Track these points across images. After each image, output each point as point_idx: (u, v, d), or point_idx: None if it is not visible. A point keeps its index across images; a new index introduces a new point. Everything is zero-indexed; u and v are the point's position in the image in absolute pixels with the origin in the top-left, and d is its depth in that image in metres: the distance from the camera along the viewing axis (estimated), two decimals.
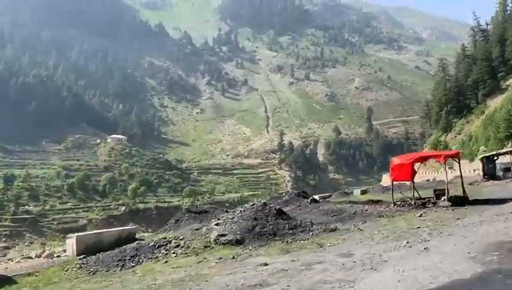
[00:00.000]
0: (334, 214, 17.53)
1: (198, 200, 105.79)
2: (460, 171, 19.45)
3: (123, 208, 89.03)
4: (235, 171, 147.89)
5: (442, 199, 17.43)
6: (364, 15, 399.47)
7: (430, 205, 17.33)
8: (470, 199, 17.71)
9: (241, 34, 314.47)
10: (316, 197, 30.99)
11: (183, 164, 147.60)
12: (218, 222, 15.16)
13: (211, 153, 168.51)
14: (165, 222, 21.52)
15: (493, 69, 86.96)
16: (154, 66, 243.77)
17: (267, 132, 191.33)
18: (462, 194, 18.16)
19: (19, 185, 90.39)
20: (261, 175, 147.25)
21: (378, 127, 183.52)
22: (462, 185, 18.73)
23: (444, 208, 16.01)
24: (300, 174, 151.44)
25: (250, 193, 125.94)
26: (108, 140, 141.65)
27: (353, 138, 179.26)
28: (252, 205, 16.29)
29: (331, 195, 34.26)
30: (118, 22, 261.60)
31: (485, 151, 56.66)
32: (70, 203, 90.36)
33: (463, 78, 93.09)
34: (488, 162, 30.50)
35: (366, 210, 17.51)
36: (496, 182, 27.11)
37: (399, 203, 18.57)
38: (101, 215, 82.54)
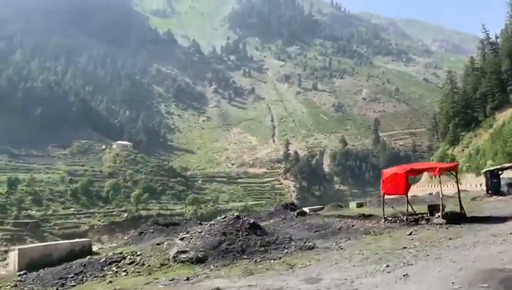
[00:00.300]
0: (317, 230, 16.35)
1: (201, 208, 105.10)
2: (458, 185, 18.20)
3: (125, 215, 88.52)
4: (239, 180, 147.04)
5: (436, 215, 16.20)
6: (373, 26, 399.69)
7: (423, 222, 16.14)
8: (467, 215, 16.65)
9: (249, 43, 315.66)
10: (306, 209, 29.73)
11: (188, 171, 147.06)
12: (183, 236, 13.99)
13: (216, 161, 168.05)
14: None
15: (502, 82, 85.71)
16: (162, 73, 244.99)
17: (273, 141, 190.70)
18: (459, 211, 17.08)
19: (22, 189, 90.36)
20: (265, 184, 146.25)
21: (385, 138, 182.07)
22: (460, 200, 17.58)
23: (438, 226, 14.91)
24: (305, 184, 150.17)
25: (255, 202, 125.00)
26: (114, 146, 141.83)
27: (360, 149, 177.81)
28: (224, 217, 14.98)
29: (323, 207, 32.82)
30: (128, 29, 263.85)
31: (492, 165, 55.53)
32: (73, 209, 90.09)
33: (471, 90, 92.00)
34: (492, 176, 28.82)
35: (353, 226, 16.38)
36: (499, 197, 25.76)
37: (390, 219, 17.39)
38: (103, 222, 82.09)
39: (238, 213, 16.34)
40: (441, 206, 16.32)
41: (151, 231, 17.37)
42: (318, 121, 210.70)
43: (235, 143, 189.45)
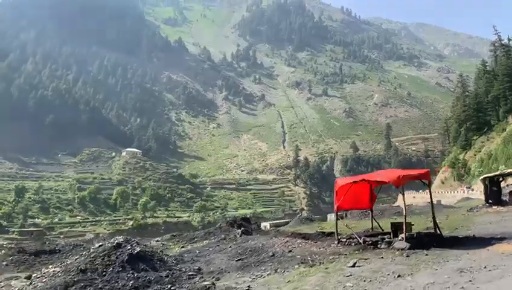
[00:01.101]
0: (244, 257, 13.19)
1: (208, 215, 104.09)
2: (431, 197, 15.09)
3: (131, 223, 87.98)
4: (249, 187, 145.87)
5: (400, 237, 12.71)
6: (384, 31, 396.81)
7: (382, 246, 12.73)
8: (445, 235, 13.68)
9: (259, 50, 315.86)
10: (267, 224, 26.91)
11: (198, 178, 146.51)
12: (32, 274, 11.33)
13: (226, 168, 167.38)
14: None
15: None
16: (173, 81, 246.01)
17: (283, 147, 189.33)
18: (434, 229, 13.79)
19: (30, 198, 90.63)
20: (275, 191, 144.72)
21: (397, 144, 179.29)
22: (433, 217, 13.98)
23: (398, 252, 11.69)
24: (315, 190, 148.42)
25: (264, 209, 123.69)
26: (123, 153, 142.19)
27: (371, 155, 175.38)
28: (99, 246, 11.89)
29: (288, 222, 28.98)
30: (139, 38, 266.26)
31: (503, 170, 53.43)
32: (79, 217, 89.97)
33: (483, 94, 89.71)
34: (492, 184, 25.43)
35: (290, 251, 13.30)
36: (500, 208, 22.87)
37: (344, 240, 14.09)
38: (109, 230, 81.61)
39: (124, 241, 12.10)
40: (404, 226, 12.80)
41: (5, 263, 13.81)
42: (329, 127, 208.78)
43: (245, 150, 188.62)
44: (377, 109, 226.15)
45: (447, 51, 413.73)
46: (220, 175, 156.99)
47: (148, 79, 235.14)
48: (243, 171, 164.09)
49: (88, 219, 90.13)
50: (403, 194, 14.29)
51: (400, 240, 12.56)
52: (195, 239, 19.72)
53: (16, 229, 74.07)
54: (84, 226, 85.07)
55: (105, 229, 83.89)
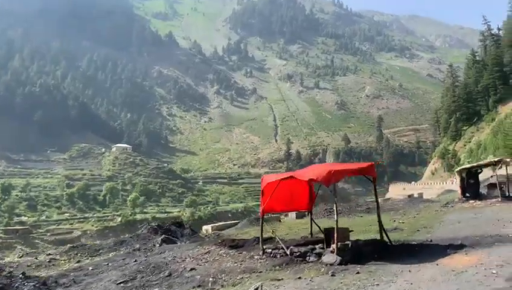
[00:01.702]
0: (133, 278, 10.88)
1: (199, 210, 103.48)
2: (376, 196, 12.78)
3: (119, 219, 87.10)
4: (240, 181, 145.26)
5: (332, 248, 10.26)
6: (375, 23, 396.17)
7: (311, 258, 10.51)
8: (394, 242, 11.46)
9: (250, 43, 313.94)
10: (208, 228, 22.84)
11: (189, 173, 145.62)
12: None
13: (218, 162, 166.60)
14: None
15: (505, 74, 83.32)
16: (164, 76, 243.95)
17: (276, 140, 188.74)
18: (380, 236, 11.38)
19: (17, 195, 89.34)
20: None
21: (389, 135, 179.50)
22: (379, 221, 11.43)
23: (324, 268, 9.54)
24: None
25: (256, 203, 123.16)
26: (113, 149, 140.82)
27: (363, 147, 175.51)
28: None
29: (237, 223, 24.25)
30: (129, 32, 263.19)
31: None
32: (67, 214, 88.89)
33: (473, 84, 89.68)
34: (469, 176, 23.50)
35: (192, 269, 11.08)
36: (477, 202, 20.89)
37: (270, 251, 11.72)
38: (96, 227, 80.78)
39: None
40: (335, 235, 10.12)
41: None
42: (321, 120, 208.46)
43: (237, 144, 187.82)
44: (368, 101, 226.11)
45: (439, 42, 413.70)
46: (212, 169, 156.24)
47: (139, 74, 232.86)
48: (235, 165, 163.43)
49: (76, 215, 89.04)
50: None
51: (331, 251, 10.10)
52: (101, 251, 16.54)
53: (1, 228, 72.96)
54: (72, 224, 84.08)
55: (92, 225, 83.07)
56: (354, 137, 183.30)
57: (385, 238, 11.35)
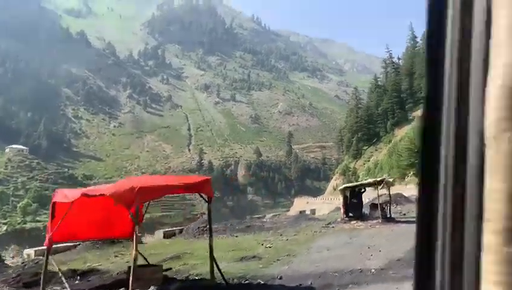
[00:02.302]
0: None
1: None
2: (209, 222, 9.60)
3: (4, 228, 78.76)
4: None
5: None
6: (291, 44, 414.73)
7: None
8: (230, 283, 8.85)
9: (168, 50, 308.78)
10: (30, 252, 16.59)
11: (92, 180, 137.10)
12: None
13: (126, 170, 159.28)
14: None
15: (402, 100, 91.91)
16: (72, 75, 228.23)
17: (189, 150, 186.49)
18: (211, 274, 8.39)
19: None
20: (176, 195, 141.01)
21: (297, 151, 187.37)
22: (211, 258, 8.33)
23: None
24: (218, 195, 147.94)
25: (161, 213, 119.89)
26: (7, 150, 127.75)
27: (273, 161, 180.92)
28: None
29: (77, 245, 16.79)
30: (36, 26, 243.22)
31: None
32: None
33: (374, 107, 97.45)
34: (352, 195, 22.64)
35: None
36: (358, 223, 20.14)
37: None
38: None
39: None
40: (130, 279, 7.11)
41: None
42: (235, 132, 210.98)
43: (147, 151, 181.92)
44: (280, 116, 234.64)
45: (347, 66, 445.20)
46: (118, 177, 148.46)
47: (44, 71, 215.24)
48: (143, 173, 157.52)
49: None
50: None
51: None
52: None
53: None
54: None
55: None
56: (266, 150, 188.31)
57: (220, 276, 8.50)
